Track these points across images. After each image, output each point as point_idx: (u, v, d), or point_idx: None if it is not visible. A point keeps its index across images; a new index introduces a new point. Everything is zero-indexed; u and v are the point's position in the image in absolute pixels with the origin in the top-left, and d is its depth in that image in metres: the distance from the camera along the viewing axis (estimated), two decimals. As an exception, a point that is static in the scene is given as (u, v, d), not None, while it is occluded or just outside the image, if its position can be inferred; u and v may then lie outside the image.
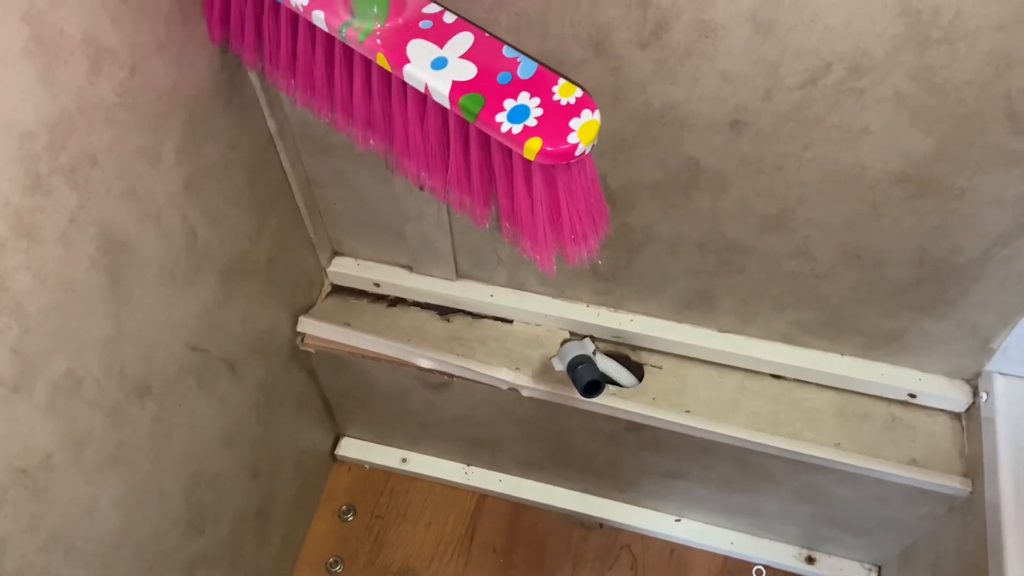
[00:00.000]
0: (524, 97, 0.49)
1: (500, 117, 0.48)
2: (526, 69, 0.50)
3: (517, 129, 0.48)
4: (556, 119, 0.48)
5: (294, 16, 0.57)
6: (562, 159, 0.47)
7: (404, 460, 1.15)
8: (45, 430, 0.55)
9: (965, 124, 0.59)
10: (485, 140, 0.52)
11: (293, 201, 0.85)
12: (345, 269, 0.96)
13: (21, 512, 0.55)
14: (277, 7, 0.58)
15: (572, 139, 0.47)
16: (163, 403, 0.68)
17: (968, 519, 0.82)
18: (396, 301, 0.97)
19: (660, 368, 0.90)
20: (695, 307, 0.86)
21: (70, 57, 0.50)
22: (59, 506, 0.59)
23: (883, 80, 0.58)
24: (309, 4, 0.53)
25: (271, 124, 0.77)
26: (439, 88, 0.50)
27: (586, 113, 0.48)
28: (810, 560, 1.06)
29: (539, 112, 0.48)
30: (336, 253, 0.97)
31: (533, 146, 0.47)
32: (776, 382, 0.89)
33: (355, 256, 0.96)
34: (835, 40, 0.56)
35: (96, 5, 0.52)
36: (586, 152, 0.48)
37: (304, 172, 0.84)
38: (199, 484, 0.77)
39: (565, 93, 0.48)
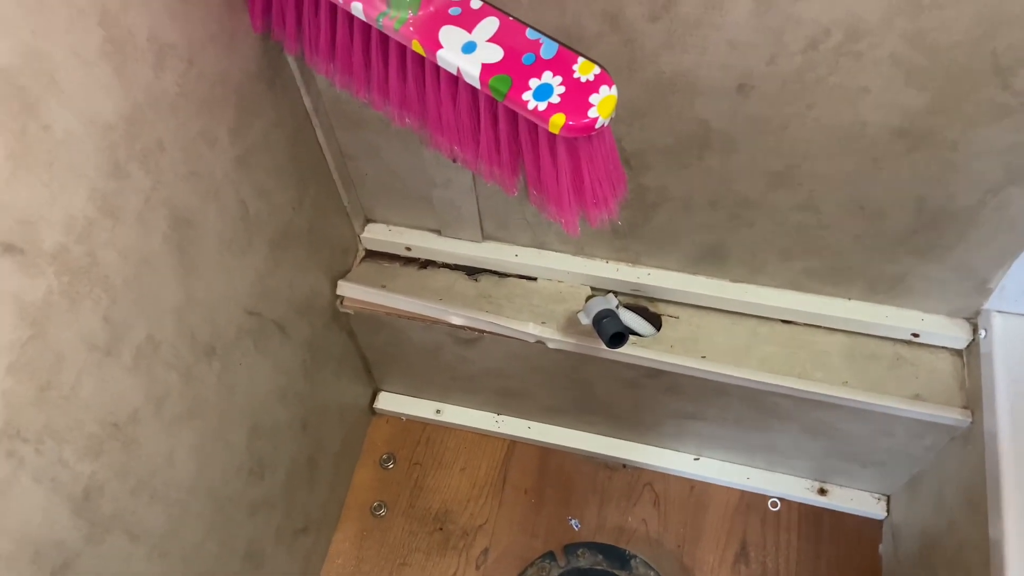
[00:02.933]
0: (547, 76, 0.54)
1: (526, 95, 0.53)
2: (548, 50, 0.55)
3: (542, 106, 0.53)
4: (577, 95, 0.53)
5: (332, 6, 0.62)
6: (584, 132, 0.53)
7: (438, 411, 1.23)
8: (131, 388, 0.63)
9: (956, 81, 0.64)
10: (513, 116, 0.57)
11: (329, 173, 0.91)
12: (378, 235, 1.02)
13: (114, 461, 0.62)
14: (316, -2, 0.63)
15: (592, 113, 0.52)
16: (226, 362, 0.76)
17: (968, 448, 0.87)
18: (427, 263, 1.03)
19: (677, 318, 0.96)
20: (708, 260, 0.91)
21: (139, 55, 0.56)
22: (144, 456, 0.66)
23: (879, 43, 0.62)
24: (348, -4, 0.59)
25: (307, 102, 0.82)
26: (470, 71, 0.55)
27: (604, 89, 0.53)
28: (822, 492, 1.13)
29: (561, 90, 0.53)
30: (369, 220, 1.03)
31: (557, 121, 0.52)
32: (787, 327, 0.94)
33: (387, 222, 1.02)
34: (834, 7, 0.61)
35: (158, 5, 0.57)
36: (605, 125, 0.53)
37: (338, 145, 0.90)
38: (259, 435, 0.85)
39: (584, 71, 0.54)
